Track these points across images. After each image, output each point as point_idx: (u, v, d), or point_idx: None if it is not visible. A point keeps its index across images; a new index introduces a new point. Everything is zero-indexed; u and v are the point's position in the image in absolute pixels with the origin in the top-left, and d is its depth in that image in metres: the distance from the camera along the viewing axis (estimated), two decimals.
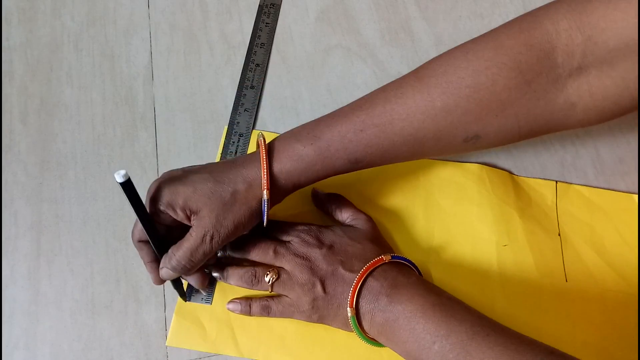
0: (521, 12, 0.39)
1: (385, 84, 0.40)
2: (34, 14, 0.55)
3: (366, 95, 0.40)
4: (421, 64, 0.40)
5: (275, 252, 0.41)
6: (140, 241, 0.39)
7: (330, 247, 0.41)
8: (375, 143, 0.38)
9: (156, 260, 0.40)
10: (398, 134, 0.38)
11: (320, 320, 0.41)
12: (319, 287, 0.39)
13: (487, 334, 0.35)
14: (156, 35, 0.55)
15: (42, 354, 0.42)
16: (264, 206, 0.38)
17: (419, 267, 0.42)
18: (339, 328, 0.41)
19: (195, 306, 0.43)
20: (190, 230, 0.37)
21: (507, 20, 0.38)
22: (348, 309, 0.38)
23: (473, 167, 0.48)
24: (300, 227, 0.43)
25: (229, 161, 0.39)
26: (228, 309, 0.43)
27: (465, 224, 0.46)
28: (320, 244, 0.41)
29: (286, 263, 0.40)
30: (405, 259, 0.41)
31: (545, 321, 0.43)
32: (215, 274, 0.43)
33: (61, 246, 0.46)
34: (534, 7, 0.38)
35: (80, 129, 0.50)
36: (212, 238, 0.37)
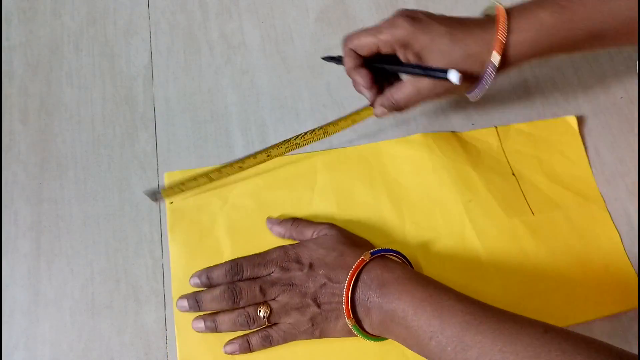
0: None
1: None
2: (34, 14, 0.55)
3: None
4: None
5: (262, 290, 0.40)
6: (355, 68, 0.42)
7: (311, 266, 0.40)
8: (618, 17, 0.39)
9: (371, 85, 0.43)
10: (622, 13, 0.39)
11: (323, 334, 0.41)
12: (313, 306, 0.40)
13: (479, 322, 0.35)
14: (156, 35, 0.55)
15: (42, 354, 0.42)
16: (489, 70, 0.39)
17: (398, 250, 0.42)
18: (344, 337, 0.41)
19: (198, 348, 0.42)
20: (414, 81, 0.41)
21: None
22: (347, 320, 0.39)
23: (417, 137, 0.50)
24: (275, 255, 0.42)
25: (468, 21, 0.41)
26: (225, 352, 0.41)
27: (429, 192, 0.48)
28: (301, 265, 0.41)
29: (275, 295, 0.40)
30: (384, 250, 0.41)
31: (526, 256, 0.46)
32: (203, 326, 0.41)
33: (61, 246, 0.46)
34: None
35: (80, 129, 0.50)
36: (425, 92, 0.41)
